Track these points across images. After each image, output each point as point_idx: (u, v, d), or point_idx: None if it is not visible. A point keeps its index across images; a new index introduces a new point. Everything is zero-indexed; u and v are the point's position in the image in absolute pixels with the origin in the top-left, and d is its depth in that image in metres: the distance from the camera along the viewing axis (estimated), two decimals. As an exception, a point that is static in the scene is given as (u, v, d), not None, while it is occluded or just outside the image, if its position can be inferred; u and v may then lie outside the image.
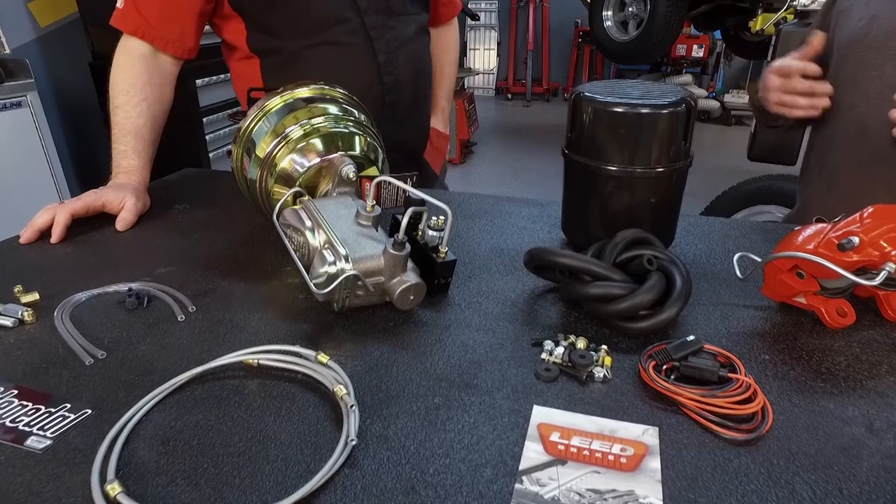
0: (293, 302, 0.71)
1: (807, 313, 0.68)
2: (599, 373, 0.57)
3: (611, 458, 0.48)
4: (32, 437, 0.49)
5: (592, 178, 0.78)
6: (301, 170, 0.77)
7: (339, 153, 0.78)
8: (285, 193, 0.76)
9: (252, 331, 0.65)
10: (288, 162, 0.78)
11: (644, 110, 0.72)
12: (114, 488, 0.43)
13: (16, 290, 0.69)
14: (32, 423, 0.51)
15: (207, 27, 1.08)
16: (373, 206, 0.69)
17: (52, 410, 0.52)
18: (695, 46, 5.73)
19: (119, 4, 1.00)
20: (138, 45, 1.01)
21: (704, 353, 0.57)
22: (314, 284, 0.62)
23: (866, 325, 0.66)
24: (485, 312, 0.69)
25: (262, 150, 0.79)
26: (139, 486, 0.45)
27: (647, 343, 0.61)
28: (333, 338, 0.64)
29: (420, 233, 0.71)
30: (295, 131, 0.78)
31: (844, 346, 0.63)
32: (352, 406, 0.51)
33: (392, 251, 0.63)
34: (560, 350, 0.60)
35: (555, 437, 0.50)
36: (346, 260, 0.63)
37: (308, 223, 0.68)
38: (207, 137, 2.90)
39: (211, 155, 2.91)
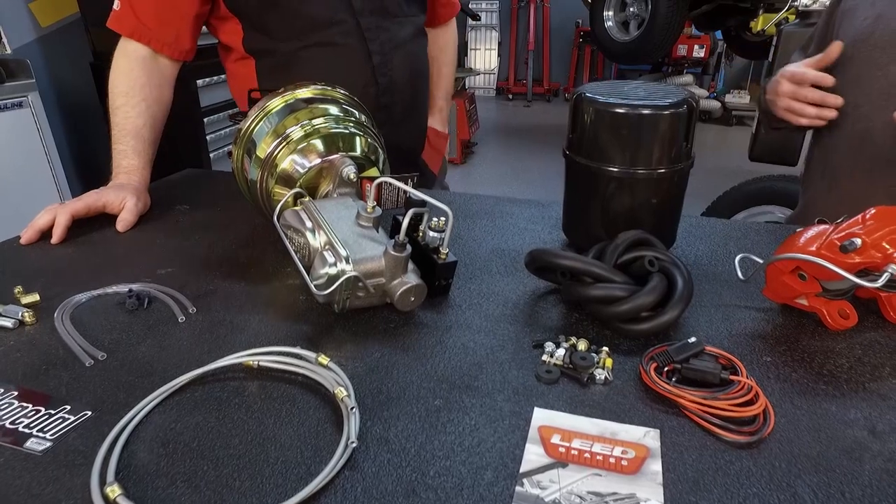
0: (294, 303, 0.71)
1: (808, 315, 0.68)
2: (600, 375, 0.57)
3: (612, 460, 0.48)
4: (32, 439, 0.49)
5: (594, 179, 0.77)
6: (302, 170, 0.77)
7: (340, 154, 0.78)
8: (286, 194, 0.76)
9: (252, 332, 0.65)
10: (289, 163, 0.77)
11: (645, 111, 0.72)
12: (113, 490, 0.43)
13: (16, 290, 0.69)
14: (32, 425, 0.50)
15: (204, 28, 1.08)
16: (373, 207, 0.69)
17: (52, 412, 0.52)
18: (696, 47, 5.73)
19: (116, 6, 1.00)
20: (136, 47, 1.01)
21: (706, 354, 0.57)
22: (315, 286, 0.62)
23: (868, 326, 0.66)
24: (486, 314, 0.69)
25: (262, 151, 0.79)
26: (139, 488, 0.45)
27: (648, 345, 0.60)
28: (334, 339, 0.64)
29: (421, 234, 0.71)
30: (296, 132, 0.78)
31: (846, 348, 0.63)
32: (352, 408, 0.50)
33: (393, 252, 0.63)
34: (561, 352, 0.59)
35: (556, 439, 0.50)
36: (347, 261, 0.63)
37: (309, 224, 0.68)
38: (208, 138, 2.90)
39: (212, 155, 2.91)
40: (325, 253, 0.64)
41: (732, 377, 0.54)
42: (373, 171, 0.82)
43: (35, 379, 0.57)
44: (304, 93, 0.83)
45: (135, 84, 1.00)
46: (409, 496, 0.44)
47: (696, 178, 0.83)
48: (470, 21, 6.49)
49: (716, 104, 5.78)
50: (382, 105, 1.10)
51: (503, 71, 7.27)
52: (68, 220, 0.87)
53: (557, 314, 0.69)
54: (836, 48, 0.96)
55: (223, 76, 1.18)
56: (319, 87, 0.85)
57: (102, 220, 0.92)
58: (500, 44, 7.05)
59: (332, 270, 0.63)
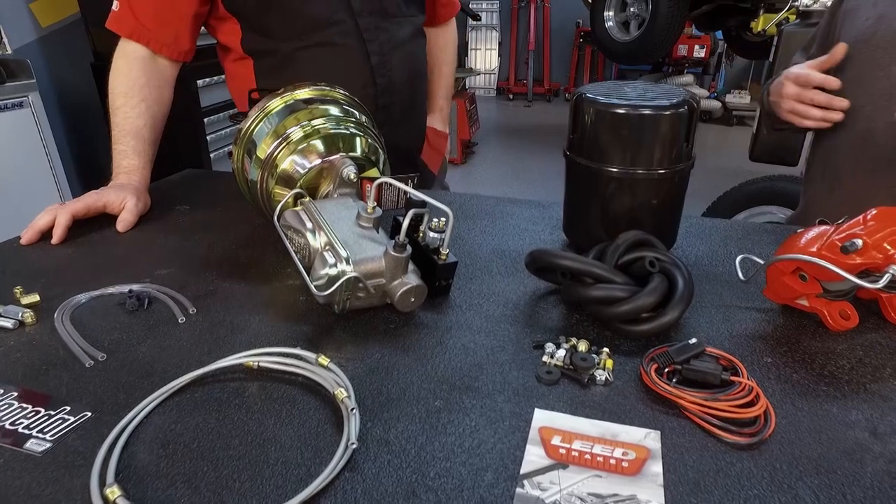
0: (294, 304, 0.71)
1: (809, 316, 0.67)
2: (601, 376, 0.57)
3: (612, 461, 0.47)
4: (32, 440, 0.49)
5: (594, 180, 0.77)
6: (302, 171, 0.77)
7: (340, 154, 0.78)
8: (286, 195, 0.76)
9: (252, 333, 0.64)
10: (289, 163, 0.77)
11: (646, 111, 0.72)
12: (113, 492, 0.43)
13: (16, 291, 0.69)
14: (32, 426, 0.50)
15: (204, 29, 1.08)
16: (374, 208, 0.69)
17: (52, 413, 0.52)
18: (696, 47, 5.73)
19: (115, 7, 1.00)
20: (135, 47, 1.01)
21: (706, 355, 0.56)
22: (315, 286, 0.62)
23: (869, 327, 0.66)
24: (486, 314, 0.69)
25: (262, 152, 0.79)
26: (138, 489, 0.44)
27: (648, 346, 0.60)
28: (334, 340, 0.64)
29: (421, 234, 0.71)
30: (296, 132, 0.78)
31: (847, 349, 0.62)
32: (352, 409, 0.50)
33: (393, 253, 0.63)
34: (561, 353, 0.59)
35: (556, 440, 0.49)
36: (347, 262, 0.63)
37: (309, 225, 0.68)
38: (208, 138, 2.90)
39: (212, 155, 2.91)
40: (325, 253, 0.64)
41: (733, 378, 0.54)
42: (373, 172, 0.82)
43: (35, 379, 0.57)
44: (305, 93, 0.83)
45: (134, 84, 1.00)
46: (410, 498, 0.44)
47: (697, 178, 0.83)
48: (470, 21, 6.49)
49: (716, 104, 5.77)
50: (381, 105, 1.10)
51: (503, 71, 7.27)
52: (69, 221, 0.87)
53: (558, 315, 0.69)
54: (840, 50, 0.96)
55: (223, 76, 1.18)
56: (320, 87, 0.85)
57: (102, 220, 0.92)
58: (500, 44, 7.05)
59: (333, 271, 0.62)
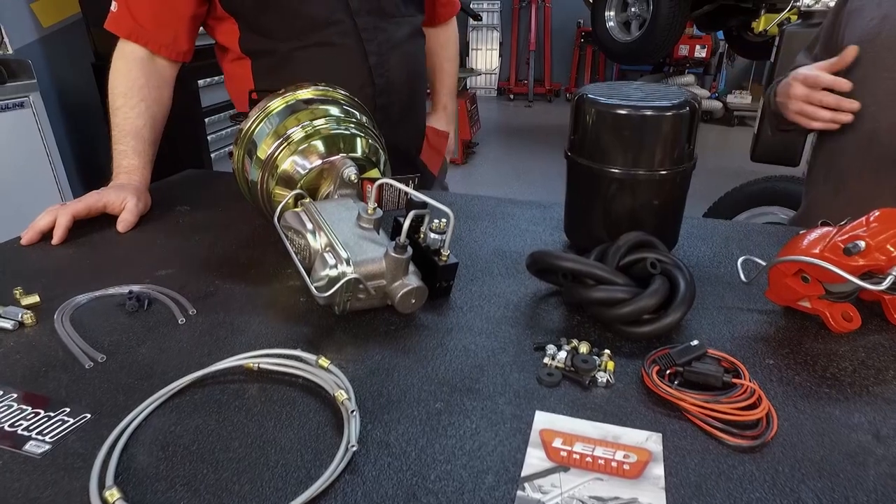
0: (294, 305, 0.70)
1: (812, 317, 0.67)
2: (602, 378, 0.57)
3: (614, 464, 0.47)
4: (31, 442, 0.49)
5: (595, 181, 0.77)
6: (302, 172, 0.77)
7: (341, 155, 0.78)
8: (286, 195, 0.76)
9: (253, 334, 0.64)
10: (289, 164, 0.77)
11: (647, 112, 0.72)
12: (112, 494, 0.43)
13: (16, 292, 0.69)
14: (31, 428, 0.50)
15: (203, 29, 1.08)
16: (374, 209, 0.69)
17: (52, 414, 0.52)
18: (697, 47, 5.72)
19: (113, 8, 1.00)
20: (134, 48, 1.01)
21: (708, 357, 0.56)
22: (315, 287, 0.62)
23: (872, 329, 0.66)
24: (487, 316, 0.68)
25: (263, 152, 0.79)
26: (138, 491, 0.44)
27: (650, 347, 0.60)
28: (334, 341, 0.64)
29: (422, 235, 0.71)
30: (296, 133, 0.78)
31: (850, 350, 0.62)
32: (353, 411, 0.50)
33: (394, 254, 0.63)
34: (562, 354, 0.59)
35: (557, 443, 0.49)
36: (348, 263, 0.62)
37: (309, 226, 0.68)
38: (209, 138, 2.90)
39: (213, 155, 2.92)
40: (325, 255, 0.64)
41: (735, 380, 0.54)
42: (374, 173, 0.81)
43: (34, 381, 0.57)
44: (305, 93, 0.83)
45: (133, 85, 1.00)
46: (410, 500, 0.44)
47: (698, 178, 0.83)
48: (471, 21, 6.49)
49: (717, 104, 5.77)
50: (379, 105, 1.10)
51: (504, 71, 7.27)
52: (69, 221, 0.87)
53: (559, 316, 0.69)
54: (851, 53, 0.95)
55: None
56: (320, 87, 0.85)
57: (103, 220, 0.92)
58: (501, 44, 7.04)
59: (333, 272, 0.62)
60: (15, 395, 0.54)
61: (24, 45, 2.69)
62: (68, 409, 0.52)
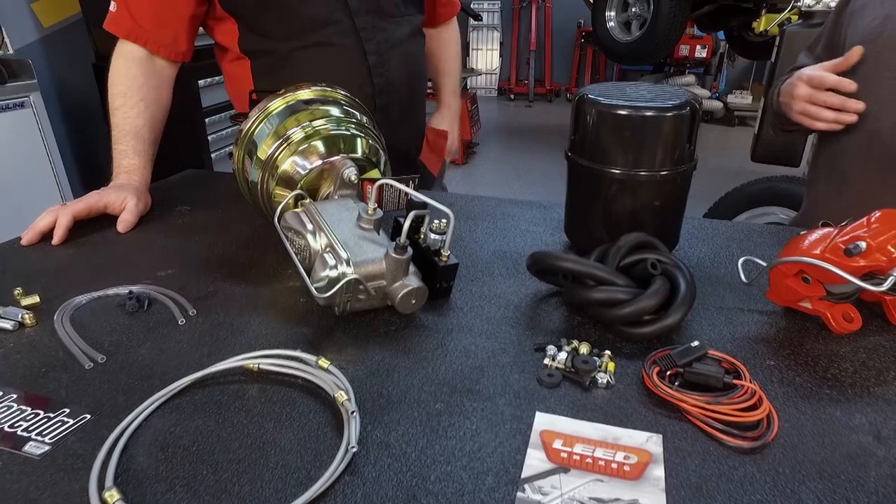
0: (294, 305, 0.70)
1: (812, 318, 0.67)
2: (603, 379, 0.56)
3: (614, 466, 0.47)
4: (31, 443, 0.49)
5: (596, 181, 0.77)
6: (303, 172, 0.77)
7: (341, 155, 0.78)
8: (287, 196, 0.76)
9: (253, 335, 0.64)
10: (289, 164, 0.77)
11: (648, 113, 0.72)
12: (112, 495, 0.43)
13: (16, 292, 0.69)
14: (31, 428, 0.50)
15: (201, 29, 1.08)
16: (374, 209, 0.69)
17: (51, 415, 0.52)
18: (698, 47, 5.72)
19: (112, 8, 1.00)
20: (133, 48, 1.01)
21: (709, 358, 0.56)
22: (315, 288, 0.62)
23: (873, 330, 0.66)
24: (487, 317, 0.68)
25: (263, 152, 0.79)
26: (137, 493, 0.44)
27: (650, 348, 0.60)
28: (334, 342, 0.64)
29: (422, 236, 0.71)
30: (296, 133, 0.78)
31: (851, 351, 0.62)
32: (352, 412, 0.50)
33: (394, 255, 0.63)
34: (563, 355, 0.59)
35: (557, 444, 0.49)
36: (348, 263, 0.62)
37: (309, 226, 0.67)
38: (209, 138, 2.90)
39: (213, 156, 2.92)
40: (325, 255, 0.64)
41: (735, 381, 0.54)
42: (374, 173, 0.81)
43: (34, 381, 0.56)
44: (305, 94, 0.83)
45: (132, 85, 1.00)
46: (410, 501, 0.44)
47: (698, 178, 0.83)
48: (472, 21, 6.49)
49: (718, 105, 5.77)
50: (379, 105, 1.09)
51: (505, 71, 7.27)
52: (69, 222, 0.87)
53: (559, 317, 0.69)
54: (856, 53, 0.95)
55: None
56: (320, 88, 0.85)
57: (103, 220, 0.92)
58: (501, 44, 7.04)
59: (333, 273, 0.62)
60: (15, 396, 0.54)
61: (25, 45, 2.70)
62: (68, 410, 0.52)
